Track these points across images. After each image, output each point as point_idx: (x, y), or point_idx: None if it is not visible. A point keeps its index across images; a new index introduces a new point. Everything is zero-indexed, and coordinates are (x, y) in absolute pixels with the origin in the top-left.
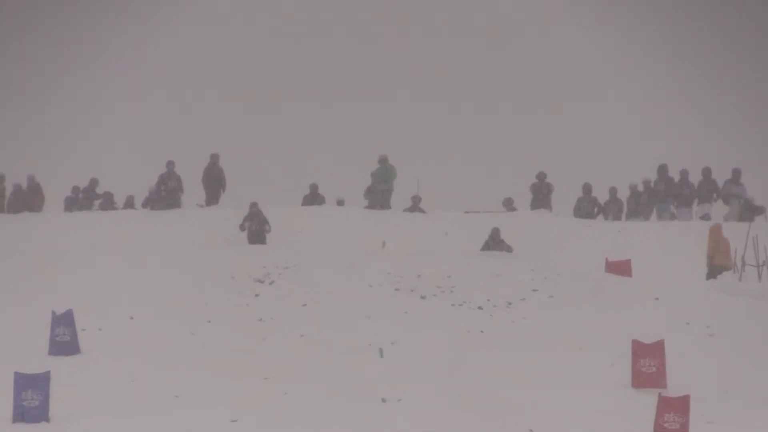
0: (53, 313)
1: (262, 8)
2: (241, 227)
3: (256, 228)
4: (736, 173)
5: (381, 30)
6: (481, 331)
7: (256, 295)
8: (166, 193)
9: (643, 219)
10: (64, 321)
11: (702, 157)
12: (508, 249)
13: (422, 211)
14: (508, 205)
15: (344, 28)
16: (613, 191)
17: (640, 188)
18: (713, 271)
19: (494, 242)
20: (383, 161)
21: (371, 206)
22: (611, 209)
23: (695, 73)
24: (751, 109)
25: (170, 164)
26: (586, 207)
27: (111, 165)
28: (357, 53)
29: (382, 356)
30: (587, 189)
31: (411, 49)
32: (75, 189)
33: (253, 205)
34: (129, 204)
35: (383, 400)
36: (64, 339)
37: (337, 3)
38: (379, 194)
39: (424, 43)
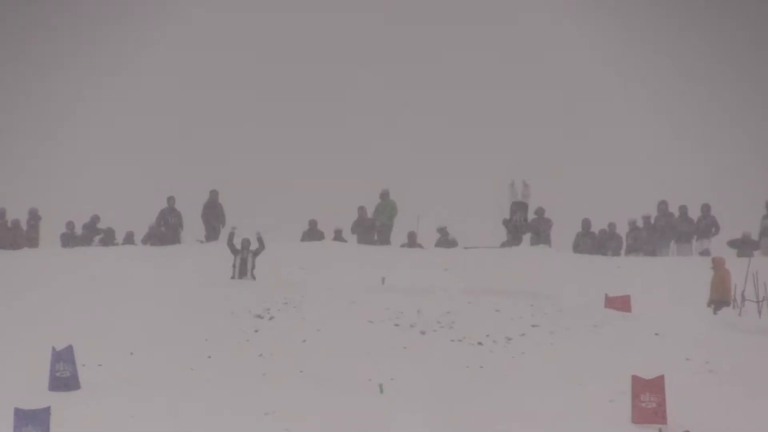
0: (53, 348)
1: (261, 34)
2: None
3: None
4: None
5: (387, 60)
6: (481, 367)
7: (256, 331)
8: (166, 229)
9: (643, 254)
10: (64, 357)
11: (702, 193)
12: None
13: (420, 246)
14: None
15: (348, 59)
16: (612, 227)
17: (640, 224)
18: (719, 305)
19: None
20: (384, 196)
21: (362, 241)
22: (611, 245)
23: (694, 107)
24: (754, 144)
25: (171, 200)
26: (586, 242)
27: (111, 201)
28: (358, 85)
29: (382, 392)
30: (586, 225)
31: (412, 80)
32: (69, 224)
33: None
34: (129, 240)
35: None
36: (65, 375)
37: (336, 33)
38: (381, 230)
39: (426, 76)
